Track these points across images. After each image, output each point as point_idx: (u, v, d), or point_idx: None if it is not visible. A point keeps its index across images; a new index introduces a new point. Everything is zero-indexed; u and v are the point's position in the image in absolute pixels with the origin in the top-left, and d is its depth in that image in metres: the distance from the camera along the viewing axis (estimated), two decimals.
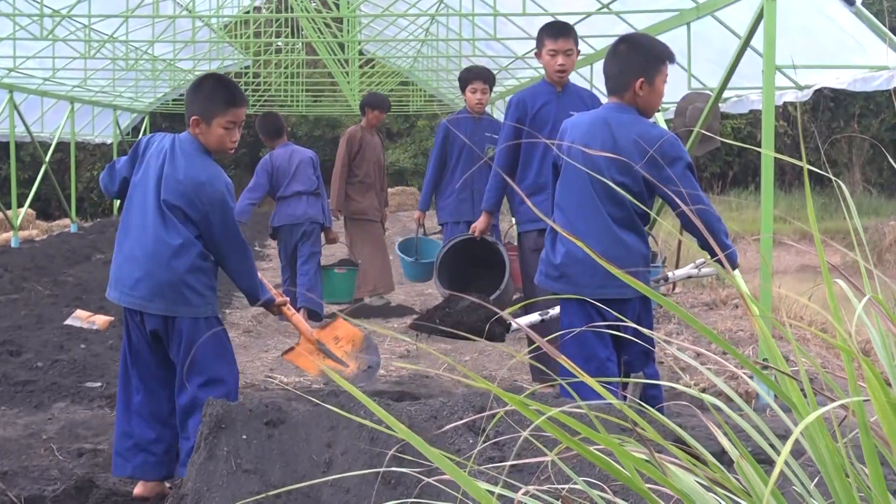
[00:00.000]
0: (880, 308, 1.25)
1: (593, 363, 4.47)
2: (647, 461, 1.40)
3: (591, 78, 11.87)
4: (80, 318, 8.59)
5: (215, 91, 4.57)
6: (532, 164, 6.57)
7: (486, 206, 6.88)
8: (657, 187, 4.42)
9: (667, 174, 4.33)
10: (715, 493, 1.40)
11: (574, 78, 15.85)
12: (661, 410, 4.47)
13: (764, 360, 5.59)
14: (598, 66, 11.60)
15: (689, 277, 5.93)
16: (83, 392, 6.47)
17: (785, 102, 9.86)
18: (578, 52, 6.64)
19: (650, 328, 4.76)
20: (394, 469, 1.93)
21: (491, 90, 9.04)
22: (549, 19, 11.99)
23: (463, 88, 8.93)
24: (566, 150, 4.65)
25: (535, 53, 6.66)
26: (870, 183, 26.22)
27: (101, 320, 8.54)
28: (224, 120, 4.50)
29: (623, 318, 4.17)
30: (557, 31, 6.48)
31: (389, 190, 27.92)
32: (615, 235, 4.54)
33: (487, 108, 10.18)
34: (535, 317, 5.38)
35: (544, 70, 6.63)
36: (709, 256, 4.47)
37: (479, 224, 6.90)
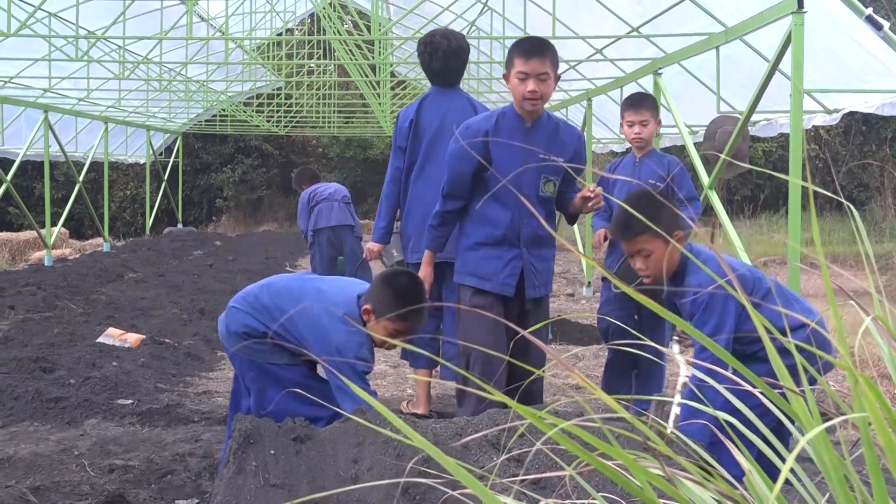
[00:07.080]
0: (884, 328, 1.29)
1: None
2: (662, 476, 1.45)
3: (620, 99, 11.89)
4: (112, 336, 8.68)
5: (398, 297, 4.45)
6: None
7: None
8: None
9: None
10: None
11: (602, 101, 15.60)
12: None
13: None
14: (628, 88, 11.66)
15: None
16: (115, 409, 6.55)
17: (816, 126, 9.87)
18: (558, 77, 5.14)
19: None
20: (418, 480, 1.97)
21: (655, 119, 6.57)
22: (580, 42, 12.09)
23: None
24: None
25: (504, 75, 5.26)
26: None
27: (132, 338, 8.63)
28: (391, 326, 4.43)
29: None
30: (529, 50, 5.07)
31: None
32: None
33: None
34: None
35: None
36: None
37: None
